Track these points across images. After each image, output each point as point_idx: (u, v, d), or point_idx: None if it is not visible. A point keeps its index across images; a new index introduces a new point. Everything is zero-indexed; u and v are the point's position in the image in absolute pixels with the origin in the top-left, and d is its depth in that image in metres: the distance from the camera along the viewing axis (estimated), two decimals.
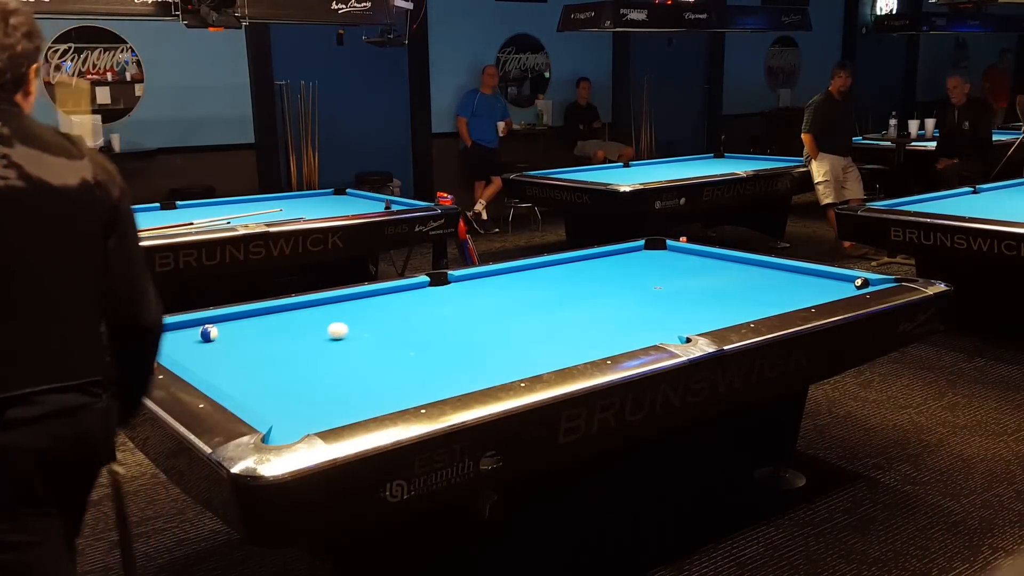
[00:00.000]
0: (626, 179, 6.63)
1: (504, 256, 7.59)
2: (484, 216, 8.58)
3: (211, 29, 4.55)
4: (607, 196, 6.36)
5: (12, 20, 1.70)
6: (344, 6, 5.03)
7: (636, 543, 3.00)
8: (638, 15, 6.69)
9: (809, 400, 3.70)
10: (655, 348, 2.55)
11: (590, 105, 9.55)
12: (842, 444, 3.77)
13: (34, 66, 1.76)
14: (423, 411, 2.10)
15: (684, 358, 2.52)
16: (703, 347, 2.59)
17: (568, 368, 2.38)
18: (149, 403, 2.21)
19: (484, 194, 8.53)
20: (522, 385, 2.27)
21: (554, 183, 6.98)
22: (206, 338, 2.76)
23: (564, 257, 4.02)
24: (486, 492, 2.35)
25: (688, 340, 2.62)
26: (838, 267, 3.69)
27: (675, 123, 10.38)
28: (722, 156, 8.50)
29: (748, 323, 2.79)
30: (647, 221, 6.34)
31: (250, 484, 1.85)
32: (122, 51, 7.00)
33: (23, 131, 1.68)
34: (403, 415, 2.08)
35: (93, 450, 1.76)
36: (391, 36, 5.70)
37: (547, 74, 9.68)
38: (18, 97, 1.74)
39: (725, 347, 2.61)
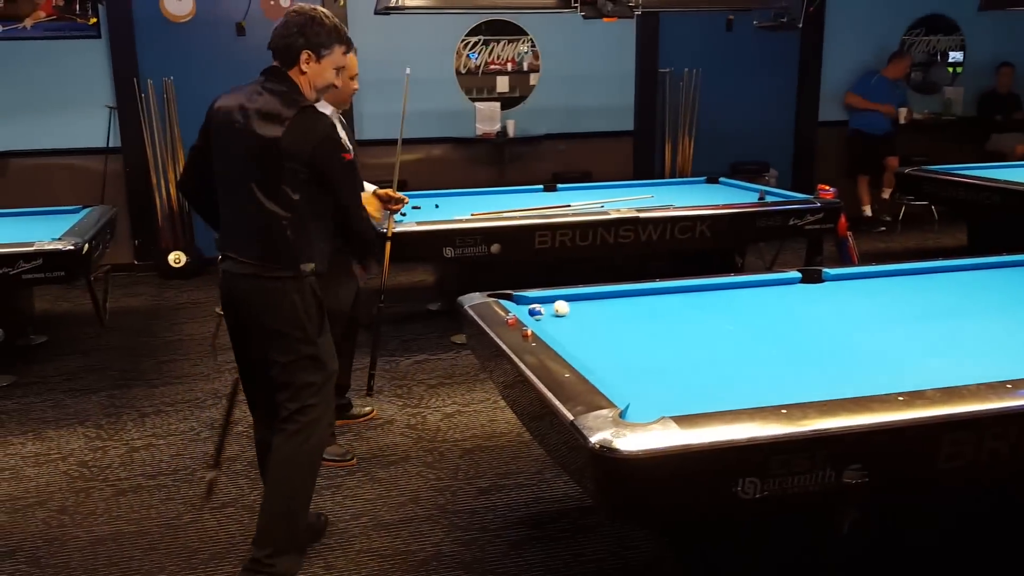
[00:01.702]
0: None
1: (891, 258, 7.01)
2: (869, 213, 7.99)
3: (606, 20, 4.72)
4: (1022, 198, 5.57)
5: (290, 19, 2.63)
6: None
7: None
8: None
9: None
10: None
11: (1011, 94, 8.42)
12: None
13: (304, 53, 2.61)
14: (784, 411, 2.01)
15: None
16: None
17: (957, 387, 2.13)
18: (521, 366, 2.38)
19: (886, 181, 7.91)
20: (900, 399, 2.08)
21: (957, 180, 6.25)
22: (534, 315, 2.85)
23: (960, 264, 3.59)
24: (849, 507, 2.20)
25: None
26: None
27: None
28: None
29: None
30: None
31: (606, 455, 1.90)
32: (523, 43, 7.54)
33: (271, 92, 2.61)
34: (762, 412, 2.01)
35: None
36: (784, 20, 5.48)
37: (959, 58, 8.69)
38: (292, 72, 2.64)
39: None
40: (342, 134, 3.21)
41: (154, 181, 6.81)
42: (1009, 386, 2.14)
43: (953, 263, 3.59)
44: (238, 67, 6.89)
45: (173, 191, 6.83)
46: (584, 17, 4.81)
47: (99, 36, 6.59)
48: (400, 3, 4.79)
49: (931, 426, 2.03)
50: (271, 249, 2.60)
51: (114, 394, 4.41)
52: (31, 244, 4.18)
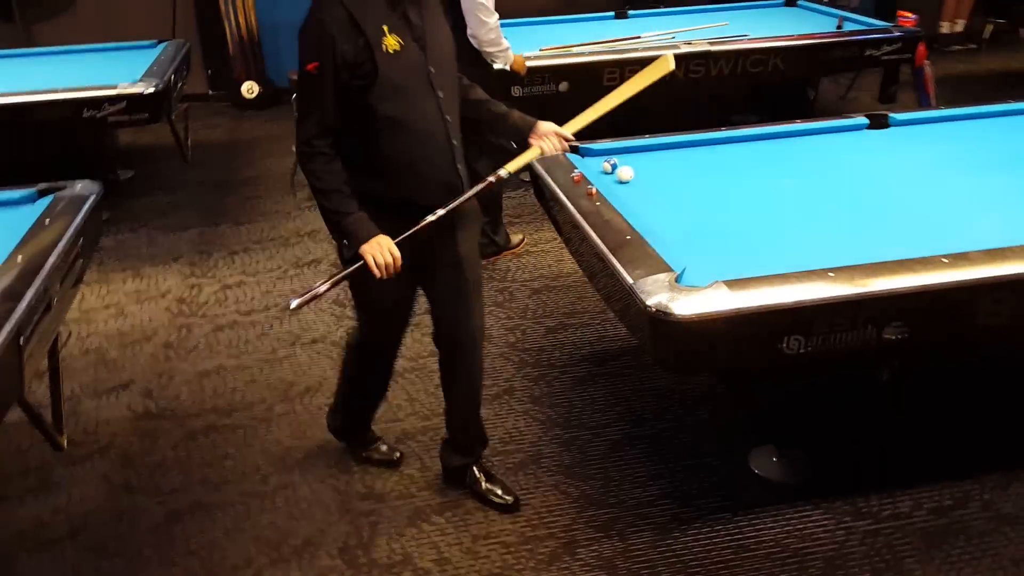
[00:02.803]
0: None
1: (972, 83, 6.75)
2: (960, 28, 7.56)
3: None
4: None
5: None
6: None
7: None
8: None
9: None
10: None
11: None
12: None
13: None
14: (831, 274, 2.14)
15: None
16: None
17: (1001, 249, 2.22)
18: (586, 227, 2.51)
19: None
20: (944, 260, 2.18)
21: None
22: (614, 169, 2.93)
23: None
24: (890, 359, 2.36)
25: None
26: None
27: None
28: None
29: None
30: None
31: (662, 318, 2.08)
32: None
33: None
34: (809, 275, 2.14)
35: None
36: None
37: None
38: None
39: None
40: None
41: (223, 9, 6.83)
42: None
43: (1019, 106, 3.50)
44: None
45: (242, 20, 6.85)
46: None
47: None
48: None
49: (971, 287, 2.14)
50: None
51: (203, 231, 4.71)
52: (114, 87, 4.33)
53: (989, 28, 7.43)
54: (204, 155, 5.91)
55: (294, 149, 2.34)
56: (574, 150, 3.11)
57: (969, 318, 2.23)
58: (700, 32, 5.08)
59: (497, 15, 3.86)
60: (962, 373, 2.95)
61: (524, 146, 2.51)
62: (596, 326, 3.60)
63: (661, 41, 4.97)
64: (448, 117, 2.33)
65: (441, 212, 2.28)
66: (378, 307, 2.50)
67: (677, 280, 2.16)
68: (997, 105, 3.52)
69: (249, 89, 6.94)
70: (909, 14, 5.08)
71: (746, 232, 2.56)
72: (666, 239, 2.40)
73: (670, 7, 6.23)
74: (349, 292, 2.64)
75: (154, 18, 6.66)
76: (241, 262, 4.35)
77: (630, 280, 2.20)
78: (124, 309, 3.93)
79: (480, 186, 2.35)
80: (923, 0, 7.26)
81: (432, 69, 2.28)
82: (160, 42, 5.43)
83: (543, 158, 2.63)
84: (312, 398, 3.21)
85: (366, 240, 2.23)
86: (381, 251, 2.22)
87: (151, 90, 4.37)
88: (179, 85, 4.96)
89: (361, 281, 2.32)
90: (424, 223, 2.26)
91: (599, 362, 3.36)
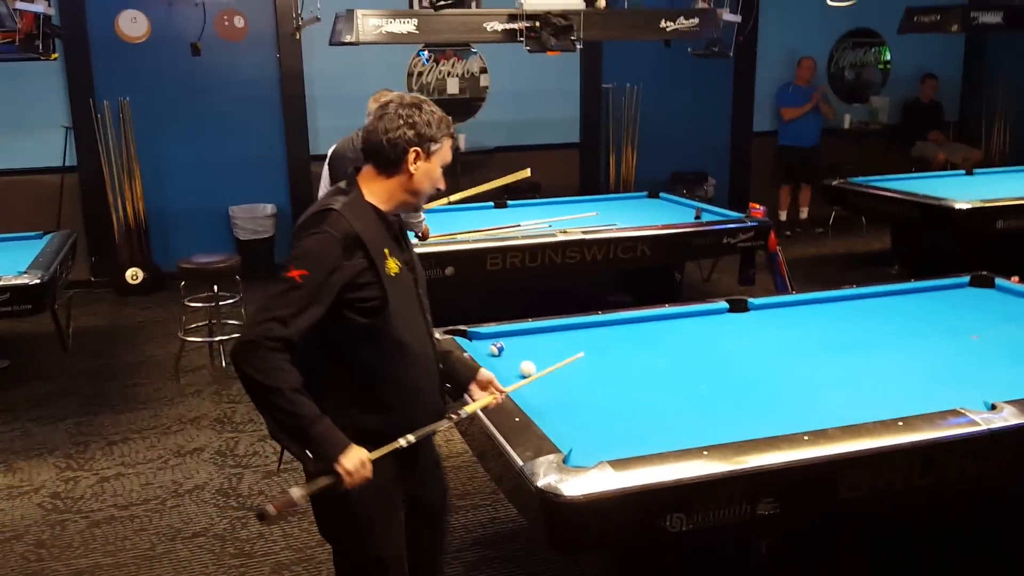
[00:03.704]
0: (964, 192, 6.14)
1: (820, 263, 7.42)
2: (805, 216, 8.41)
3: (549, 53, 4.96)
4: (940, 213, 5.94)
5: (390, 111, 2.17)
6: (672, 24, 5.21)
7: None
8: (992, 18, 6.11)
9: None
10: (953, 413, 2.51)
11: (934, 103, 8.88)
12: None
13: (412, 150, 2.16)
14: (705, 452, 2.29)
15: (983, 428, 2.45)
16: (1007, 417, 2.49)
17: (856, 425, 2.44)
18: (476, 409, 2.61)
19: (802, 199, 8.37)
20: (805, 438, 2.37)
21: (879, 193, 6.64)
22: (500, 352, 3.08)
23: (872, 291, 3.92)
24: (765, 534, 2.49)
25: (993, 407, 2.53)
26: None
27: None
28: None
29: None
30: (987, 239, 5.87)
31: (552, 499, 2.16)
32: (471, 58, 7.76)
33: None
34: (686, 454, 2.29)
35: None
36: (716, 49, 5.78)
37: (885, 68, 9.13)
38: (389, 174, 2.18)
39: None
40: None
41: (111, 199, 6.91)
42: (901, 423, 2.45)
43: (864, 291, 3.91)
44: (194, 87, 7.07)
45: (129, 208, 6.93)
46: (529, 51, 5.05)
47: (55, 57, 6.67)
48: (356, 39, 4.98)
49: (831, 463, 2.34)
50: None
51: (81, 421, 4.56)
52: None
53: (833, 214, 8.26)
54: (85, 341, 5.78)
55: (242, 340, 1.97)
56: (462, 333, 3.27)
57: (833, 491, 2.40)
58: (573, 221, 5.49)
59: None
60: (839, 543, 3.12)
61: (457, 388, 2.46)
62: (487, 507, 3.63)
63: (539, 229, 5.33)
64: (433, 342, 2.32)
65: (412, 438, 2.15)
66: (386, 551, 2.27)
67: (564, 461, 2.27)
68: (844, 290, 3.92)
69: (133, 275, 6.92)
70: (758, 205, 5.65)
71: (625, 411, 2.72)
72: (552, 420, 2.53)
73: (544, 198, 6.72)
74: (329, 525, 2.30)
75: (40, 207, 6.66)
76: (120, 452, 4.21)
77: (520, 461, 2.30)
78: None
79: (443, 424, 2.28)
80: (767, 194, 8.13)
81: (420, 292, 2.28)
82: (46, 233, 5.43)
83: None
84: None
85: (342, 452, 2.02)
86: (362, 470, 2.04)
87: (36, 281, 4.34)
88: (63, 275, 4.93)
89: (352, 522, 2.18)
90: (395, 445, 2.12)
91: (490, 545, 3.37)
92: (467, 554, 3.31)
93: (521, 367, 2.90)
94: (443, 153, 2.21)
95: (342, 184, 2.22)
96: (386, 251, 2.14)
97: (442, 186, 2.27)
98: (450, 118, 2.24)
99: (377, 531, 2.24)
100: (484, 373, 2.46)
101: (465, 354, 2.84)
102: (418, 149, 2.15)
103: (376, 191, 2.18)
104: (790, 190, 8.43)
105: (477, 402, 2.40)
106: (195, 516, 3.60)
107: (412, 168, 2.16)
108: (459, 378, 2.45)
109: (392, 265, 2.14)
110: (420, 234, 4.62)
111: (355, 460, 2.02)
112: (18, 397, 4.88)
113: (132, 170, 6.88)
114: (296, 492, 1.98)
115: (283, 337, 1.98)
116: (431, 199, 2.65)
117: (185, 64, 6.83)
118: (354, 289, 2.07)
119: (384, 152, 2.15)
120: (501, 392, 2.45)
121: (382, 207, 2.19)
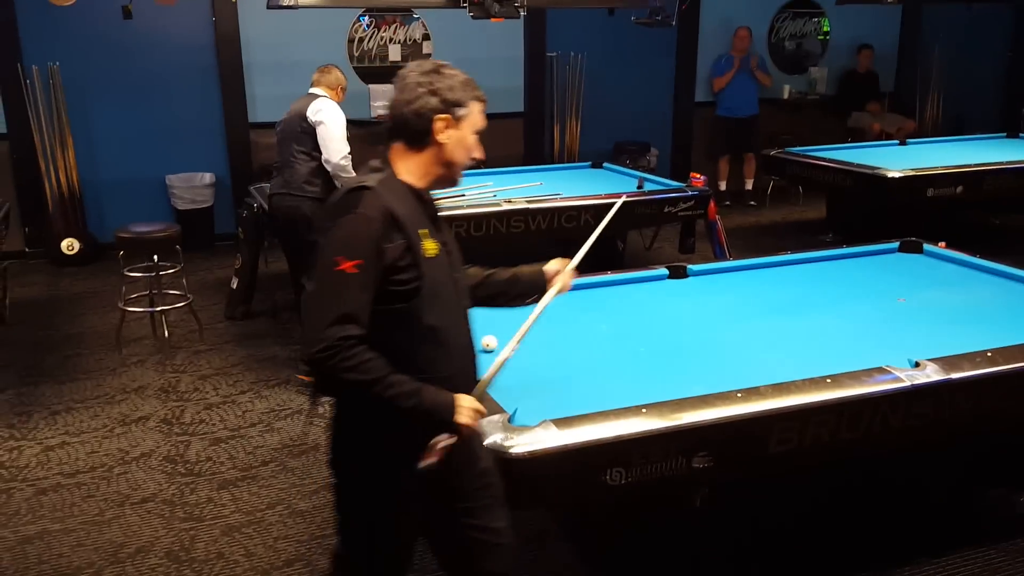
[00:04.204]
0: (897, 162, 6.34)
1: (758, 232, 7.61)
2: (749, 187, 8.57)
3: (493, 20, 4.99)
4: (872, 181, 6.13)
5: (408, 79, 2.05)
6: None
7: (845, 548, 3.12)
8: None
9: None
10: (879, 370, 2.65)
11: (870, 73, 9.10)
12: None
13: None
14: (644, 410, 2.40)
15: (906, 384, 2.60)
16: (929, 374, 2.64)
17: (786, 383, 2.56)
18: None
19: (747, 172, 8.53)
20: (738, 395, 2.49)
21: (816, 163, 6.81)
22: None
23: (806, 257, 4.07)
24: (699, 486, 2.61)
25: (917, 364, 2.68)
26: None
27: (967, 97, 9.59)
28: (1017, 136, 7.84)
29: (985, 351, 2.78)
30: (918, 207, 6.08)
31: (499, 456, 2.25)
32: (414, 27, 7.71)
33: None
34: (626, 412, 2.39)
35: None
36: (659, 18, 5.86)
37: (824, 39, 9.32)
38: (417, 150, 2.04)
39: (953, 376, 2.65)
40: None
41: (43, 167, 6.73)
42: (829, 380, 2.58)
43: (798, 256, 4.06)
44: (125, 51, 6.90)
45: (63, 177, 6.77)
46: (472, 17, 5.06)
47: None
48: (295, 3, 4.94)
49: (762, 419, 2.46)
50: None
51: (22, 392, 4.50)
52: None
53: (771, 184, 8.45)
54: (22, 313, 5.67)
55: (310, 355, 1.90)
56: None
57: (763, 445, 2.53)
58: (517, 191, 5.54)
59: (348, 147, 4.61)
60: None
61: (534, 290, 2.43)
62: None
63: (484, 199, 5.37)
64: (471, 327, 2.19)
65: (515, 344, 2.13)
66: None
67: (510, 420, 2.36)
68: (778, 256, 4.07)
69: (69, 246, 6.78)
70: (699, 175, 5.77)
71: (569, 373, 2.81)
72: (498, 383, 2.59)
73: (489, 168, 6.75)
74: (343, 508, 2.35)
75: None
76: (64, 422, 4.17)
77: None
78: None
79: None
80: (708, 165, 8.28)
81: (457, 276, 2.14)
82: None
83: None
84: (144, 559, 3.10)
85: (455, 411, 2.00)
86: (476, 416, 2.05)
87: None
88: None
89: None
90: (499, 364, 2.12)
91: None
92: None
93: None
94: (473, 118, 2.07)
95: (375, 162, 2.07)
96: (423, 232, 2.00)
97: (479, 155, 2.12)
98: (474, 80, 2.08)
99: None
100: (552, 267, 2.43)
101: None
102: (446, 116, 2.02)
103: (410, 168, 2.04)
104: (728, 160, 8.59)
105: (545, 297, 2.37)
106: (143, 482, 3.60)
107: (442, 138, 2.02)
108: (536, 288, 2.40)
109: (430, 246, 2.00)
110: None
111: (467, 414, 2.01)
112: None
113: (64, 138, 6.71)
114: (431, 460, 1.96)
115: (355, 335, 1.89)
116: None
117: (116, 28, 6.64)
118: (393, 272, 1.94)
119: (410, 125, 2.01)
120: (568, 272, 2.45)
121: (417, 184, 2.05)
